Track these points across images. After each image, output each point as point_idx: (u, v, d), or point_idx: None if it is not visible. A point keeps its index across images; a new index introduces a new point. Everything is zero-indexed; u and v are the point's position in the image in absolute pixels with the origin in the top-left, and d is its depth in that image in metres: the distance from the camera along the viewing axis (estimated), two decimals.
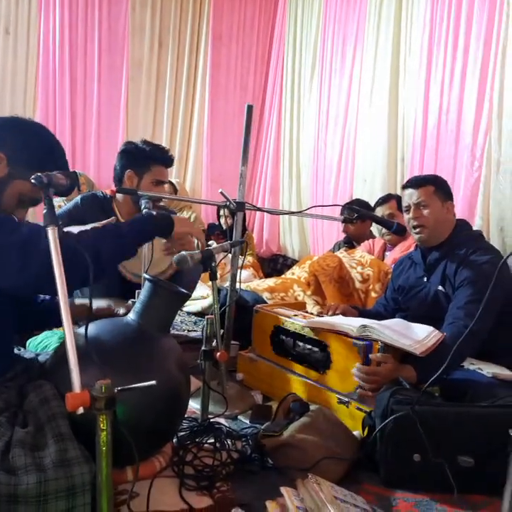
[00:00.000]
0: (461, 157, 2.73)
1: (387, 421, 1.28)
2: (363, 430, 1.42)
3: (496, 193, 2.47)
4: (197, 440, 1.39)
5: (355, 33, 3.71)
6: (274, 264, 4.59)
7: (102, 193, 2.18)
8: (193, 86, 4.92)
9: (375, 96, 3.49)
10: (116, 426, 0.87)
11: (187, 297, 1.34)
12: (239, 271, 1.88)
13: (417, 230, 1.87)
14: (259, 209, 2.12)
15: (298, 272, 2.88)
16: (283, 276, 3.05)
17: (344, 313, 1.94)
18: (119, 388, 0.86)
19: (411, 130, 3.13)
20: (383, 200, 2.92)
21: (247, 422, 1.61)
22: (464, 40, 2.71)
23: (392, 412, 1.29)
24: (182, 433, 1.42)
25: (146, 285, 1.26)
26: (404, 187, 1.93)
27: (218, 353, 1.47)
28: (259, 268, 3.92)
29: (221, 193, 1.79)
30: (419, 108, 3.04)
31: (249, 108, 1.86)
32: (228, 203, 1.82)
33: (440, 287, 1.81)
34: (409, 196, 1.88)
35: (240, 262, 1.87)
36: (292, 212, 2.43)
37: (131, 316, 1.26)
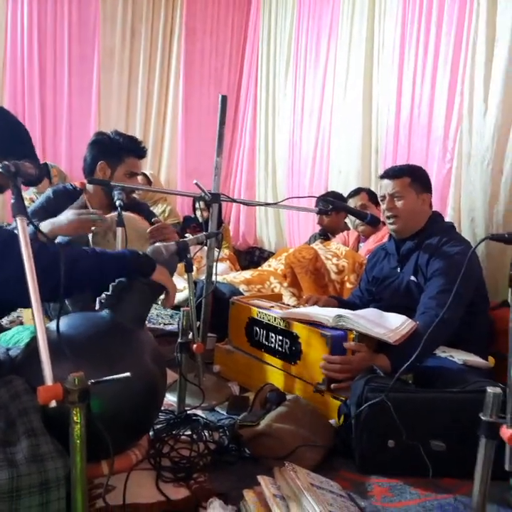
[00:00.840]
0: (433, 149, 2.78)
1: (361, 408, 1.30)
2: (339, 418, 1.44)
3: (467, 184, 2.51)
4: (174, 432, 1.38)
5: (329, 27, 3.71)
6: (251, 257, 4.60)
7: (72, 185, 2.14)
8: (166, 76, 4.85)
9: (349, 89, 3.51)
10: (91, 419, 0.86)
11: (162, 290, 1.32)
12: (215, 263, 1.87)
13: (391, 220, 1.89)
14: (234, 200, 2.11)
15: (274, 264, 2.89)
16: (259, 268, 3.06)
17: (326, 305, 1.95)
18: (92, 381, 0.85)
19: (384, 123, 3.16)
20: (355, 193, 2.96)
21: (224, 413, 1.61)
22: (436, 35, 2.75)
23: (367, 399, 1.31)
24: (158, 426, 1.42)
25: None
26: (381, 177, 1.95)
27: (194, 345, 1.47)
28: (236, 260, 3.92)
29: (196, 184, 1.77)
30: (392, 101, 3.07)
31: (224, 98, 1.85)
32: (203, 195, 1.81)
33: (412, 277, 1.85)
34: (385, 187, 1.90)
35: (216, 254, 1.86)
36: (267, 204, 2.44)
37: (106, 309, 1.24)
